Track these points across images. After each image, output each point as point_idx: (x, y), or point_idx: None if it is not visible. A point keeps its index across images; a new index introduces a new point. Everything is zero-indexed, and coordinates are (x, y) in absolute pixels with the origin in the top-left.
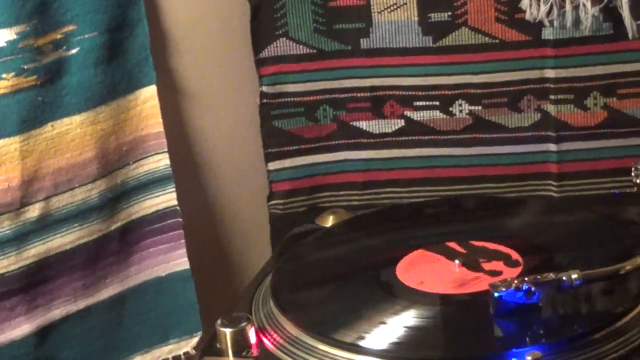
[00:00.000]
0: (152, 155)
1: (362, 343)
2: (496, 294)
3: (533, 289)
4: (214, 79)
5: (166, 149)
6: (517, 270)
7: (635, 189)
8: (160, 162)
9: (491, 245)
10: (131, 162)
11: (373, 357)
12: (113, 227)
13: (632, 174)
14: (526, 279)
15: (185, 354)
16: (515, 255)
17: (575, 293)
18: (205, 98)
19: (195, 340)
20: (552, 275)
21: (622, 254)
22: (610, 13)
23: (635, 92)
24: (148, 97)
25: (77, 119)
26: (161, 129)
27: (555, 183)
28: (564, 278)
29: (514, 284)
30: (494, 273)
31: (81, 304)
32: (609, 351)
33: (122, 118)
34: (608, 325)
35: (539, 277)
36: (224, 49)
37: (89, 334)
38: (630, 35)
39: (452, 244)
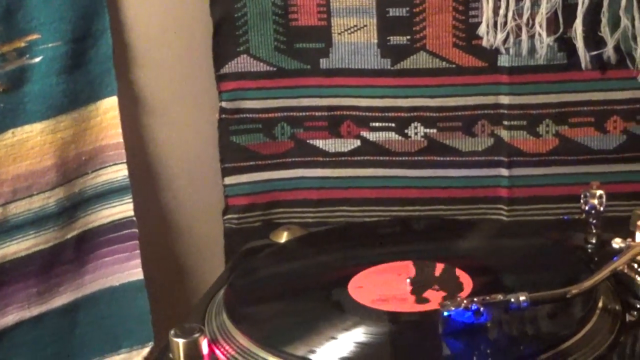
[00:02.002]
0: (110, 166)
1: (312, 357)
2: (445, 313)
3: (481, 309)
4: (175, 92)
5: (125, 160)
6: (467, 291)
7: (583, 215)
8: (119, 172)
9: (442, 266)
10: (90, 171)
11: None
12: (69, 236)
13: (581, 201)
14: (475, 299)
15: None
16: (465, 276)
17: (522, 314)
18: (165, 111)
19: (146, 350)
20: (500, 297)
21: (569, 277)
22: (565, 43)
23: (586, 121)
24: (109, 107)
25: (37, 126)
26: (120, 139)
27: (505, 207)
28: (512, 299)
29: (462, 304)
30: (444, 292)
31: (34, 310)
32: None
33: (83, 127)
34: (554, 347)
35: (487, 297)
36: (185, 63)
37: (41, 341)
38: (583, 66)
39: (404, 263)
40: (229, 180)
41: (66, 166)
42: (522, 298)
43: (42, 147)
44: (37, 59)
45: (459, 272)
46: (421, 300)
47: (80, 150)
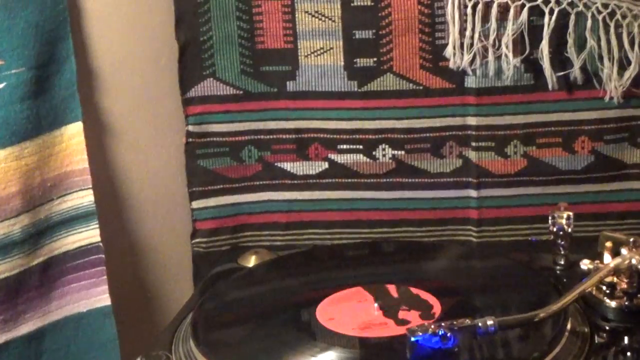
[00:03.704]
0: (76, 192)
1: None
2: (413, 339)
3: (449, 334)
4: (141, 116)
5: (90, 186)
6: (435, 315)
7: (552, 236)
8: (85, 198)
9: (411, 289)
10: (55, 197)
11: None
12: (35, 262)
13: (549, 221)
14: (442, 324)
15: None
16: (433, 299)
17: (490, 339)
18: (131, 136)
19: None
20: (467, 321)
21: (538, 300)
22: (532, 64)
23: (554, 142)
24: (74, 133)
25: (1, 153)
26: (86, 165)
27: (474, 228)
28: (480, 324)
29: (430, 329)
30: (416, 311)
31: (0, 338)
32: None
33: (47, 154)
34: None
35: (454, 322)
36: (151, 87)
37: None
38: (550, 86)
39: (372, 287)
40: (196, 204)
41: (31, 193)
42: (489, 322)
43: (6, 173)
44: (1, 86)
45: (427, 295)
46: (400, 322)
47: (45, 177)
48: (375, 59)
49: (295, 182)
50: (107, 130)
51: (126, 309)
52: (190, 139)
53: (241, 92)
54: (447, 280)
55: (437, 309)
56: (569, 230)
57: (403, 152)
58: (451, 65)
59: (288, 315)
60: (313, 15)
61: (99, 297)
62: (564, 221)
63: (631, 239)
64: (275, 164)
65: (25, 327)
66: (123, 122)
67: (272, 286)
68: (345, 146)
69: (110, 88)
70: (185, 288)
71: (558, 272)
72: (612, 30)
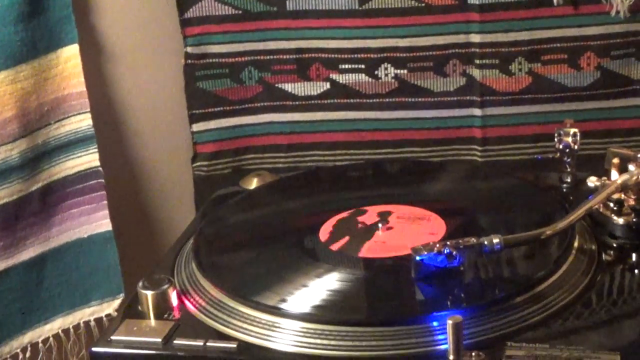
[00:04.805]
0: (74, 115)
1: (283, 306)
2: (418, 258)
3: (454, 252)
4: (139, 38)
5: (88, 109)
6: (440, 234)
7: (557, 154)
8: (83, 122)
9: (415, 209)
10: (52, 121)
11: (294, 320)
12: (34, 188)
13: (555, 139)
14: (448, 242)
15: (107, 315)
16: (438, 219)
17: (496, 257)
18: (129, 58)
19: (117, 302)
20: (473, 240)
21: (543, 218)
22: None
23: (559, 58)
24: (70, 56)
25: None
26: (83, 88)
27: (479, 148)
28: (485, 242)
29: (435, 248)
30: (416, 236)
31: (0, 265)
32: (528, 315)
33: (43, 77)
34: (528, 289)
35: (460, 241)
36: (148, 8)
37: (7, 296)
38: (555, 2)
39: (376, 208)
40: (196, 127)
41: (28, 117)
42: (495, 241)
43: (2, 98)
44: None
45: (432, 214)
46: (393, 244)
47: (42, 101)
48: None
49: (297, 103)
50: (104, 52)
51: (127, 234)
52: (189, 61)
53: (240, 11)
54: (451, 199)
55: (442, 228)
56: (575, 147)
57: (406, 71)
58: None
59: (291, 238)
60: None
61: (100, 222)
62: (570, 138)
63: (639, 155)
64: (276, 85)
65: (26, 254)
66: (120, 44)
67: (274, 208)
68: (346, 66)
69: (106, 9)
70: (186, 212)
71: (564, 189)
72: None
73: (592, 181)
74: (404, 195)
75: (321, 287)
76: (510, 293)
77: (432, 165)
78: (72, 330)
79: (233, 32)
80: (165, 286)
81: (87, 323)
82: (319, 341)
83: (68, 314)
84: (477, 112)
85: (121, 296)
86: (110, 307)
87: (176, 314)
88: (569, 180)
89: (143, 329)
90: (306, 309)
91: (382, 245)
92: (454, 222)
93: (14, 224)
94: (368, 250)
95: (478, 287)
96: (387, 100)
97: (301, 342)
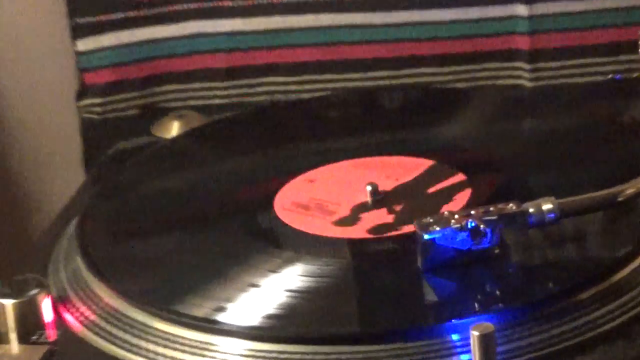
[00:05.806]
0: None
1: (220, 317)
2: (426, 237)
3: (482, 227)
4: None
5: None
6: (461, 201)
7: None
8: None
9: (423, 163)
10: None
11: (238, 338)
12: None
13: (639, 50)
14: (472, 212)
15: None
16: (459, 177)
17: (547, 233)
18: None
19: None
20: (512, 207)
21: (621, 172)
22: None
23: None
24: None
25: None
26: None
27: (526, 66)
28: (531, 210)
29: (453, 221)
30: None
31: None
32: (599, 320)
33: None
34: (598, 281)
35: (491, 209)
36: None
37: None
38: None
39: (362, 162)
40: (83, 44)
41: None
42: (547, 207)
43: None
44: None
45: (449, 171)
46: (389, 220)
47: None
48: None
49: (240, 3)
50: None
51: None
52: None
53: None
54: (480, 147)
55: (464, 192)
56: None
57: None
58: None
59: (231, 214)
60: None
61: None
62: None
63: None
64: None
65: None
66: None
67: (205, 169)
68: None
69: None
70: (70, 176)
71: None
72: None
73: None
74: (407, 142)
75: (279, 286)
76: (570, 287)
77: (452, 95)
78: None
79: None
80: (34, 292)
81: None
82: None
83: None
84: (523, 10)
85: None
86: None
87: (50, 335)
88: None
89: None
90: (255, 321)
91: (372, 220)
92: (482, 181)
93: None
94: (350, 229)
95: (519, 281)
96: None
97: None
